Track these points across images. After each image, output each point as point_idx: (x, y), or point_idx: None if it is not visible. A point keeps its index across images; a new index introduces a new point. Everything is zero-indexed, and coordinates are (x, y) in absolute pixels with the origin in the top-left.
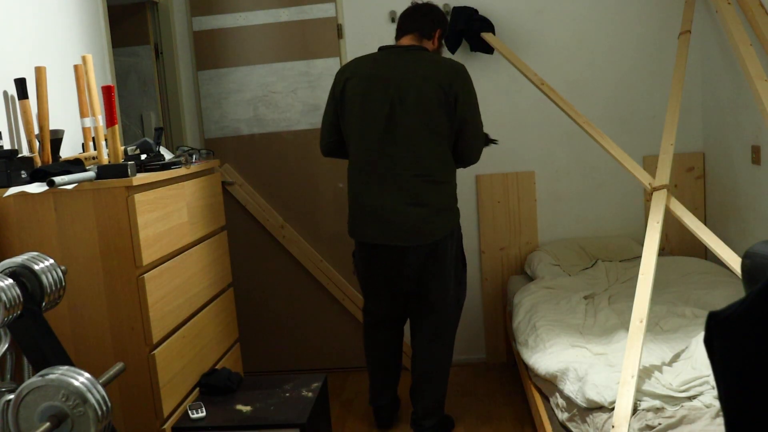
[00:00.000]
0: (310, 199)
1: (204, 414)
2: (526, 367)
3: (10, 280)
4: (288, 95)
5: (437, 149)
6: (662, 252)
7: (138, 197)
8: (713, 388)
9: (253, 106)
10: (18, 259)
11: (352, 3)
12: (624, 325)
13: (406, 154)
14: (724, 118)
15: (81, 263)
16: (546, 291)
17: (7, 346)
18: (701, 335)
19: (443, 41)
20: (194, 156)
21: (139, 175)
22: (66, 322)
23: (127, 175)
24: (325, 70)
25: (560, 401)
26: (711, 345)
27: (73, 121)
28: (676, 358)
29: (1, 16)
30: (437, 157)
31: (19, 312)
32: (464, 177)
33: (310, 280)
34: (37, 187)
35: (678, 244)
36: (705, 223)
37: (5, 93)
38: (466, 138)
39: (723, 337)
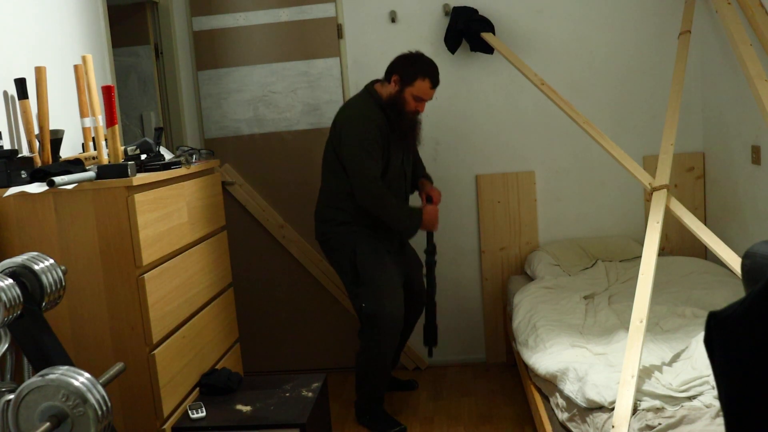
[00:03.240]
0: (310, 199)
1: (204, 414)
2: (526, 367)
3: (10, 280)
4: (288, 95)
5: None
6: (662, 252)
7: (138, 197)
8: (713, 388)
9: (253, 106)
10: (18, 259)
11: (352, 3)
12: (624, 325)
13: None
14: (724, 118)
15: (81, 263)
16: (546, 291)
17: (7, 346)
18: (701, 335)
19: (403, 87)
20: (194, 156)
21: (139, 175)
22: (66, 322)
23: (127, 175)
24: (325, 70)
25: (560, 401)
26: (711, 345)
27: (73, 121)
28: (676, 358)
29: (1, 16)
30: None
31: (19, 312)
32: (464, 177)
33: (310, 280)
34: (37, 187)
35: (678, 244)
36: (705, 223)
37: (5, 93)
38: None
39: (723, 337)
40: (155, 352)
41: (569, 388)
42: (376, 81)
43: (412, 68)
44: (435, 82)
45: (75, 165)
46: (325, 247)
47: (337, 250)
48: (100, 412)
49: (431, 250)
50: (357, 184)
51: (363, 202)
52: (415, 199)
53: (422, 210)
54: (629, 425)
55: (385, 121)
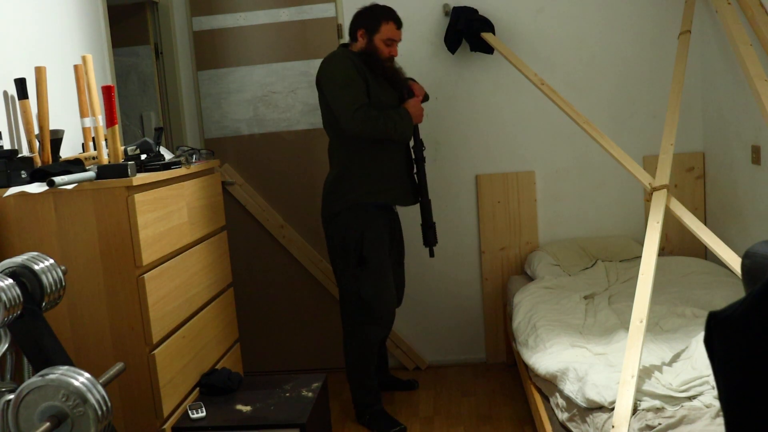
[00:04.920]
0: (310, 199)
1: (204, 414)
2: (526, 367)
3: (10, 280)
4: (288, 95)
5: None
6: (662, 252)
7: (138, 197)
8: (713, 388)
9: (253, 106)
10: (18, 259)
11: (352, 3)
12: (624, 325)
13: None
14: (724, 118)
15: (81, 263)
16: (546, 291)
17: (7, 346)
18: (701, 335)
19: (371, 36)
20: (194, 156)
21: (139, 175)
22: (66, 322)
23: (127, 175)
24: None
25: (560, 401)
26: (711, 345)
27: (73, 121)
28: (676, 358)
29: (1, 16)
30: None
31: (19, 312)
32: (464, 177)
33: (310, 280)
34: (37, 187)
35: (678, 244)
36: (705, 223)
37: (5, 93)
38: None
39: (723, 337)
40: (155, 352)
41: (569, 388)
42: (345, 44)
43: (373, 16)
44: (399, 23)
45: (75, 165)
46: (329, 224)
47: (344, 228)
48: (100, 412)
49: (418, 145)
50: (344, 119)
51: (352, 130)
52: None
53: (405, 107)
54: (629, 425)
55: (362, 63)
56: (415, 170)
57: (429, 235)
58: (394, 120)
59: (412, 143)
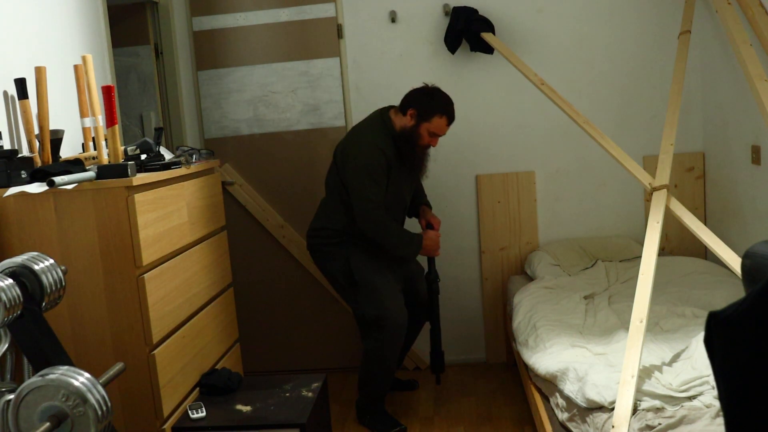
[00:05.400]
0: (310, 199)
1: (204, 414)
2: (526, 367)
3: (10, 280)
4: (288, 95)
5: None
6: (662, 252)
7: (138, 197)
8: (713, 388)
9: (253, 106)
10: (18, 259)
11: (352, 3)
12: (624, 325)
13: None
14: (724, 118)
15: (81, 263)
16: (546, 291)
17: (7, 346)
18: (701, 335)
19: (420, 122)
20: (194, 156)
21: (139, 175)
22: (66, 322)
23: (127, 175)
24: (325, 70)
25: (560, 401)
26: (711, 345)
27: (73, 121)
28: (676, 358)
29: (1, 16)
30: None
31: (19, 312)
32: (464, 177)
33: (310, 280)
34: (37, 187)
35: (678, 244)
36: (705, 223)
37: (5, 93)
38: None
39: (723, 337)
40: (155, 352)
41: (569, 388)
42: (391, 107)
43: (431, 105)
44: (451, 119)
45: (75, 165)
46: (316, 257)
47: (330, 259)
48: (100, 412)
49: (434, 277)
50: (359, 209)
51: (364, 227)
52: (413, 227)
53: (423, 236)
54: (629, 425)
55: (393, 151)
56: (427, 298)
57: (437, 363)
58: (403, 241)
59: (428, 272)
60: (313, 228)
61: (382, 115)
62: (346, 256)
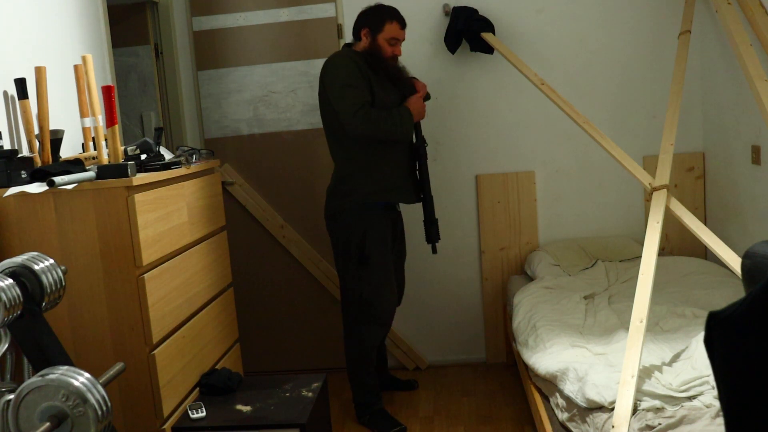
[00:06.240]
0: (310, 199)
1: (204, 414)
2: (526, 367)
3: (10, 280)
4: (288, 95)
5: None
6: (662, 252)
7: (138, 197)
8: (713, 388)
9: (253, 106)
10: (18, 259)
11: (352, 3)
12: (624, 325)
13: None
14: (724, 118)
15: (81, 263)
16: (546, 291)
17: (7, 346)
18: (701, 335)
19: (375, 35)
20: (194, 156)
21: (139, 175)
22: (66, 322)
23: (127, 175)
24: None
25: (560, 401)
26: (711, 345)
27: (73, 121)
28: (676, 358)
29: (1, 16)
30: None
31: (19, 312)
32: (464, 177)
33: (310, 280)
34: (37, 187)
35: (678, 244)
36: (705, 223)
37: (5, 93)
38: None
39: (723, 337)
40: (155, 352)
41: (569, 388)
42: (349, 44)
43: (377, 16)
44: (403, 23)
45: (75, 165)
46: (333, 223)
47: (347, 227)
48: (100, 412)
49: (420, 142)
50: (346, 117)
51: (355, 132)
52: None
53: (407, 106)
54: (629, 425)
55: (365, 63)
56: (417, 167)
57: (432, 232)
58: (394, 120)
59: (414, 140)
60: (332, 187)
61: (344, 48)
62: (365, 229)
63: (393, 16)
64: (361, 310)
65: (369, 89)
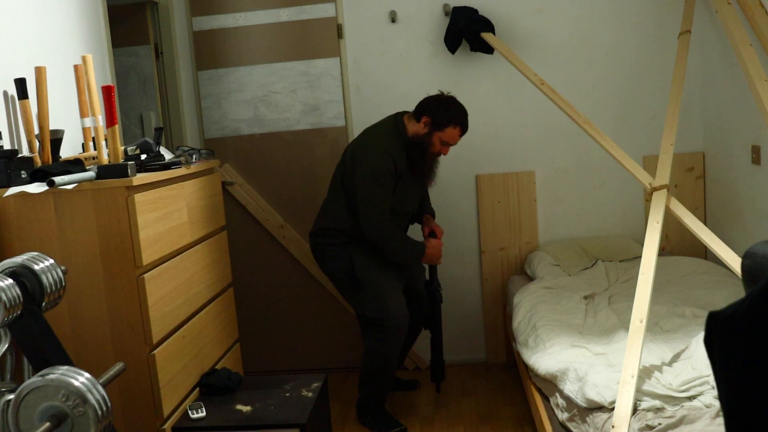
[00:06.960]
0: (310, 199)
1: (204, 414)
2: (526, 367)
3: (10, 280)
4: (288, 95)
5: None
6: (662, 252)
7: (138, 197)
8: (713, 388)
9: (253, 106)
10: (18, 259)
11: (352, 3)
12: (624, 325)
13: None
14: (724, 118)
15: (81, 263)
16: (546, 291)
17: (7, 346)
18: (701, 335)
19: (433, 130)
20: (194, 156)
21: (139, 175)
22: (66, 322)
23: (127, 175)
24: (325, 70)
25: (560, 401)
26: (711, 345)
27: (73, 121)
28: (676, 358)
29: (1, 16)
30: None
31: (19, 312)
32: (464, 177)
33: (310, 280)
34: (37, 187)
35: (678, 244)
36: (705, 223)
37: (5, 93)
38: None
39: (723, 337)
40: (155, 352)
41: (569, 388)
42: (405, 113)
43: (446, 114)
44: (465, 130)
45: (75, 165)
46: (319, 257)
47: (333, 259)
48: (100, 412)
49: (435, 286)
50: (364, 214)
51: (367, 232)
52: (415, 234)
53: (425, 244)
54: (629, 425)
55: (404, 157)
56: (428, 307)
57: (436, 371)
58: (406, 248)
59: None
60: (319, 227)
61: (396, 120)
62: (350, 256)
63: (459, 121)
64: (372, 327)
65: (393, 189)
